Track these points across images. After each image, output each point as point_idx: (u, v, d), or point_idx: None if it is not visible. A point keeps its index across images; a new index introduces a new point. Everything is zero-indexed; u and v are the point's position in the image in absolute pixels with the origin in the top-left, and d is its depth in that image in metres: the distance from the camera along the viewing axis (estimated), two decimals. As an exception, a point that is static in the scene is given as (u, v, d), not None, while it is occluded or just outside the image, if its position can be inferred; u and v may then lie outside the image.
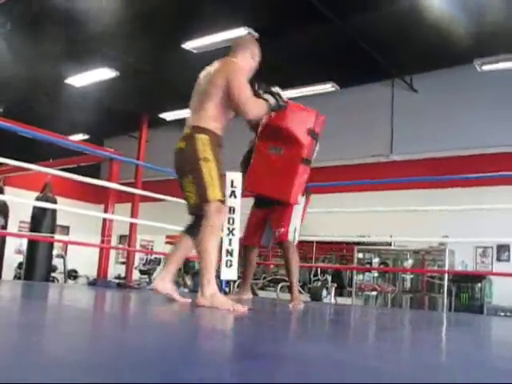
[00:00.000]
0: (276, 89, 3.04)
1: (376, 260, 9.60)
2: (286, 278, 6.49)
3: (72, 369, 0.76)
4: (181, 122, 11.43)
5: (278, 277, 9.41)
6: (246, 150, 3.64)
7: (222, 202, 2.68)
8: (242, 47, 2.95)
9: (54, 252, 8.71)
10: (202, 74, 2.89)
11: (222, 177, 2.77)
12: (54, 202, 7.40)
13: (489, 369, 1.15)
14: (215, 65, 2.83)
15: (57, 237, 9.34)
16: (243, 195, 3.52)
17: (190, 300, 2.84)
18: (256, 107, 2.81)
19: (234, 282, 6.61)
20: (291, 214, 3.47)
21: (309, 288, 9.25)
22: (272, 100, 2.95)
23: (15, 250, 11.40)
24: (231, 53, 2.93)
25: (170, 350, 1.06)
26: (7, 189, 8.58)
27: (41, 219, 7.51)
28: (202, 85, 2.82)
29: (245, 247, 3.65)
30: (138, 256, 11.90)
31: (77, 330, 1.38)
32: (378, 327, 2.71)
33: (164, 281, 2.84)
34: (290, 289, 3.66)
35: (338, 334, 2.04)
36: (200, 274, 2.60)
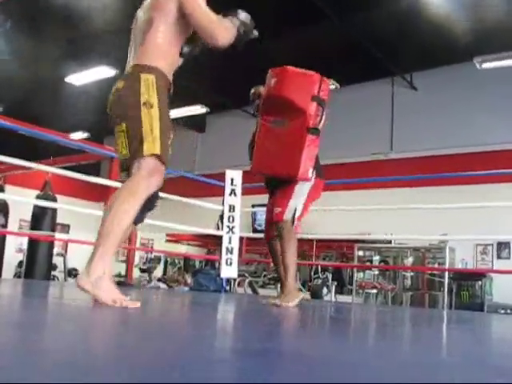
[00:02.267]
0: (242, 15, 2.39)
1: (376, 258, 9.61)
2: None
3: (72, 368, 0.76)
4: (180, 121, 11.43)
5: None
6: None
7: (161, 159, 2.07)
8: None
9: (55, 250, 8.71)
10: (141, 8, 2.37)
11: (168, 129, 2.14)
12: (55, 200, 7.39)
13: (490, 367, 1.15)
14: None
15: (57, 235, 9.34)
16: (254, 175, 3.28)
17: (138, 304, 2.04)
18: (224, 29, 2.21)
19: (235, 280, 6.62)
20: (293, 191, 3.11)
21: (309, 286, 9.26)
22: (238, 23, 2.32)
23: (15, 248, 11.39)
24: None
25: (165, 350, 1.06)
26: (7, 187, 8.57)
27: (41, 218, 7.50)
28: (141, 16, 2.29)
29: (268, 244, 3.36)
30: (138, 254, 11.91)
31: (77, 329, 1.38)
32: (379, 325, 2.71)
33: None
34: (281, 281, 3.17)
35: (336, 333, 2.04)
36: (95, 244, 1.97)
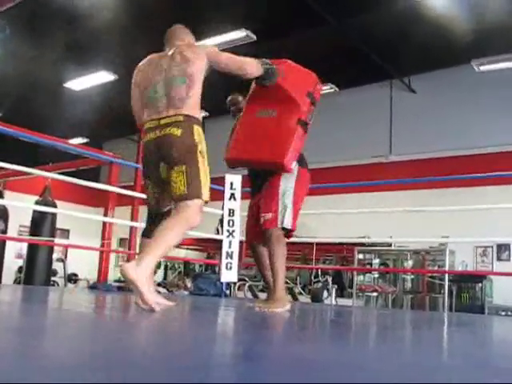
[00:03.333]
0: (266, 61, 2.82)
1: (376, 261, 9.60)
2: (287, 280, 6.29)
3: (72, 371, 0.76)
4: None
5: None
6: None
7: (205, 203, 2.46)
8: (183, 31, 2.76)
9: (54, 256, 8.70)
10: (162, 57, 2.65)
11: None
12: (54, 205, 7.39)
13: (491, 368, 1.15)
14: (176, 51, 2.59)
15: (57, 241, 9.33)
16: (229, 165, 3.11)
17: (173, 303, 2.52)
18: (251, 65, 2.71)
19: (235, 284, 6.61)
20: (278, 188, 2.94)
21: (309, 289, 9.24)
22: (264, 63, 2.78)
23: (15, 254, 11.38)
24: (180, 40, 2.69)
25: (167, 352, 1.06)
26: (7, 193, 8.57)
27: (41, 223, 7.50)
28: (171, 67, 2.54)
29: (251, 247, 3.21)
30: (138, 259, 11.87)
31: (77, 334, 1.38)
32: (380, 328, 2.70)
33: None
34: (268, 286, 2.99)
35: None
36: (150, 246, 2.25)
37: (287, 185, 2.94)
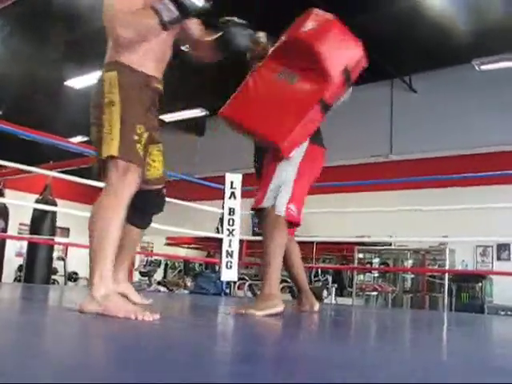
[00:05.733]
0: None
1: (376, 260, 9.60)
2: (288, 279, 6.19)
3: (72, 370, 0.76)
4: (180, 124, 11.48)
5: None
6: None
7: (128, 160, 1.85)
8: None
9: (55, 254, 8.71)
10: None
11: (136, 124, 1.90)
12: (54, 204, 7.39)
13: (491, 368, 1.15)
14: None
15: (57, 239, 9.33)
16: (221, 116, 2.43)
17: (148, 301, 2.43)
18: (128, 24, 1.94)
19: (235, 283, 6.62)
20: (275, 167, 2.41)
21: (309, 288, 9.24)
22: (169, 8, 1.88)
23: (15, 252, 11.39)
24: None
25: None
26: (7, 191, 8.58)
27: (41, 221, 7.50)
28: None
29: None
30: (138, 258, 11.89)
31: (76, 332, 1.38)
32: (379, 327, 2.71)
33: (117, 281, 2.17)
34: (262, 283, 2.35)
35: None
36: (89, 265, 1.79)
37: (290, 162, 2.40)
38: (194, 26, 2.27)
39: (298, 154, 2.41)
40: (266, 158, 2.51)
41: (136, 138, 1.90)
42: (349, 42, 2.38)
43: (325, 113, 2.37)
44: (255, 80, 2.41)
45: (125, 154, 1.85)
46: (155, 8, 1.88)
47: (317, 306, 2.69)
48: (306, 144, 2.44)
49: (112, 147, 1.84)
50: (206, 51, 2.27)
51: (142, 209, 2.25)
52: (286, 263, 2.69)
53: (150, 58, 2.01)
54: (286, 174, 2.40)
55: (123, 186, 1.84)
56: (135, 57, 1.97)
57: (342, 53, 2.34)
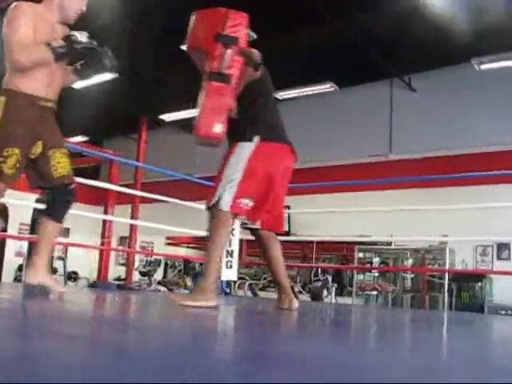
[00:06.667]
0: (78, 36, 2.51)
1: (376, 259, 9.60)
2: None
3: (73, 370, 0.76)
4: (180, 123, 11.44)
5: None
6: None
7: None
8: None
9: (55, 254, 8.70)
10: None
11: (9, 142, 2.37)
12: (54, 204, 7.39)
13: (492, 368, 1.15)
14: None
15: (57, 239, 9.33)
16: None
17: (64, 289, 2.76)
18: (24, 53, 2.36)
19: (235, 282, 6.62)
20: (227, 162, 2.51)
21: (309, 288, 9.25)
22: (60, 47, 2.43)
23: (15, 252, 11.38)
24: None
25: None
26: (7, 191, 8.56)
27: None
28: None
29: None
30: (138, 257, 11.90)
31: (78, 333, 1.38)
32: (380, 327, 2.70)
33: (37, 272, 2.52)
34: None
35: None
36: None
37: (238, 160, 2.48)
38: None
39: (245, 151, 2.48)
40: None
41: (1, 159, 2.36)
42: (207, 15, 2.52)
43: (223, 82, 2.40)
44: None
45: None
46: (51, 46, 2.38)
47: (295, 304, 2.68)
48: (255, 141, 2.50)
49: None
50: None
51: (54, 203, 2.61)
52: (265, 259, 2.79)
53: (38, 83, 2.44)
54: (233, 171, 2.47)
55: None
56: (26, 80, 2.40)
57: (207, 27, 2.47)
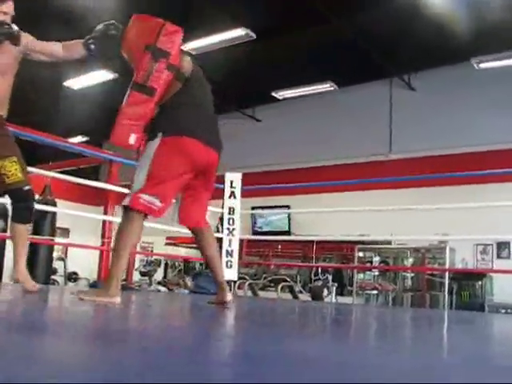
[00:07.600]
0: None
1: (376, 259, 9.60)
2: (287, 278, 6.22)
3: (74, 370, 0.76)
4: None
5: (279, 276, 9.40)
6: None
7: None
8: None
9: (54, 255, 8.70)
10: None
11: None
12: (54, 204, 7.39)
13: (492, 367, 1.15)
14: None
15: (57, 239, 9.34)
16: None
17: (37, 287, 2.89)
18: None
19: (235, 282, 6.62)
20: (135, 171, 2.54)
21: (309, 288, 9.25)
22: None
23: (15, 253, 11.37)
24: None
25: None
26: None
27: (41, 222, 7.50)
28: None
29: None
30: (138, 257, 11.89)
31: (76, 333, 1.38)
32: (380, 326, 2.70)
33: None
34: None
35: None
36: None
37: (145, 156, 2.49)
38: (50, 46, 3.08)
39: (151, 150, 2.46)
40: None
41: None
42: (144, 23, 2.58)
43: (148, 94, 2.41)
44: None
45: None
46: None
47: (228, 297, 2.74)
48: (159, 137, 2.45)
49: None
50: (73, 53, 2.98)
51: (17, 208, 2.77)
52: (203, 254, 2.86)
53: None
54: (140, 168, 2.49)
55: None
56: None
57: (140, 36, 2.51)
